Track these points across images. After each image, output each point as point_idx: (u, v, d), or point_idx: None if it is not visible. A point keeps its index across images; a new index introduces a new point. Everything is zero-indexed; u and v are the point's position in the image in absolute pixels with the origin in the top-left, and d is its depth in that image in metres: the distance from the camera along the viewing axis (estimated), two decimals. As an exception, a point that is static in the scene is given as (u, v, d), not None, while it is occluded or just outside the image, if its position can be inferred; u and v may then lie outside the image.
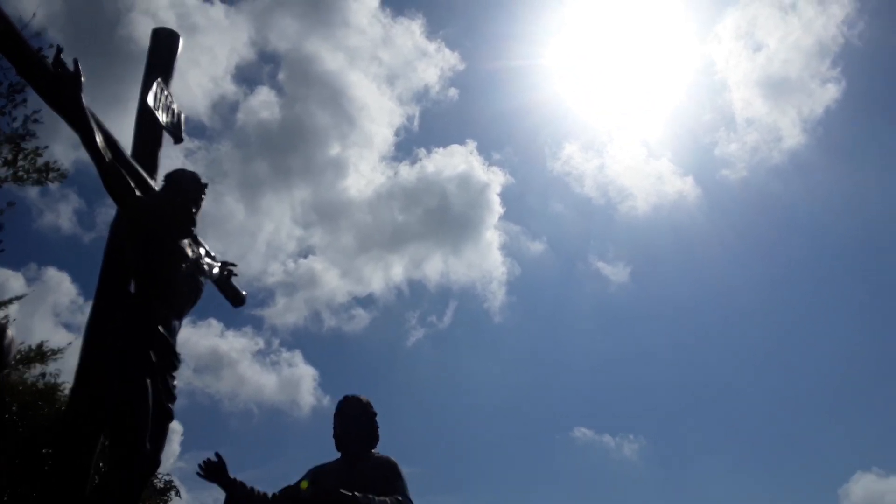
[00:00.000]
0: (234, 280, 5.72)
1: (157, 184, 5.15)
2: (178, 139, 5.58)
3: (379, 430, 4.85)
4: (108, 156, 4.45)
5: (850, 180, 40.21)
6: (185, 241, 4.87)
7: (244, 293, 5.92)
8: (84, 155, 4.38)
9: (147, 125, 5.38)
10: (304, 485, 4.36)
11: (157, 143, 5.44)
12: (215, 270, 5.34)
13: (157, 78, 5.44)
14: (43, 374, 9.75)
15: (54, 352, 9.37)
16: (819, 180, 41.39)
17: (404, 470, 4.67)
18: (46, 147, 8.33)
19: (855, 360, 40.86)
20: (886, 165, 39.17)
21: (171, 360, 4.54)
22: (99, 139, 4.37)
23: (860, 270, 42.69)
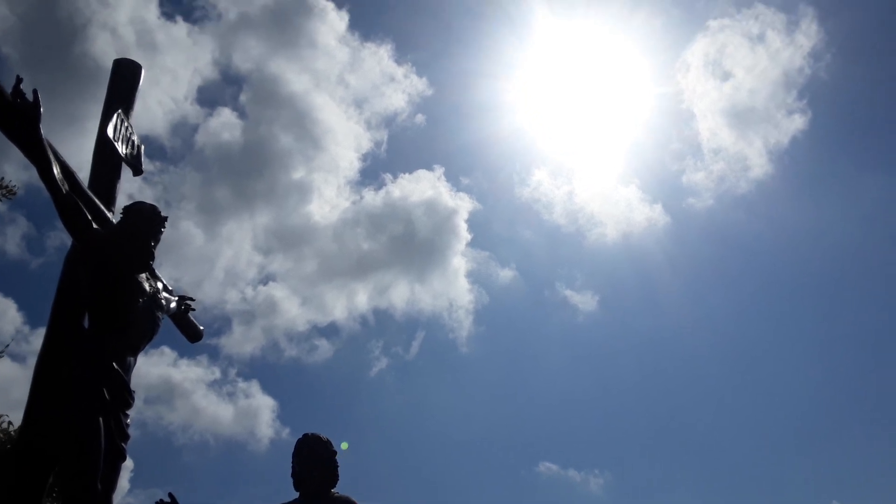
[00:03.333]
0: (191, 314, 5.63)
1: (114, 216, 5.07)
2: (137, 171, 5.51)
3: (338, 469, 4.80)
4: (65, 188, 4.37)
5: (815, 210, 41.28)
6: (143, 276, 4.79)
7: (202, 329, 5.83)
8: (35, 177, 4.30)
9: (105, 157, 5.30)
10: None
11: (116, 175, 5.37)
12: (172, 305, 5.24)
13: (117, 109, 5.38)
14: None
15: None
16: (784, 210, 42.38)
17: (364, 510, 4.62)
18: None
19: (819, 394, 41.55)
20: (849, 196, 40.29)
21: (125, 397, 4.43)
22: (56, 171, 4.30)
23: (823, 302, 43.60)
